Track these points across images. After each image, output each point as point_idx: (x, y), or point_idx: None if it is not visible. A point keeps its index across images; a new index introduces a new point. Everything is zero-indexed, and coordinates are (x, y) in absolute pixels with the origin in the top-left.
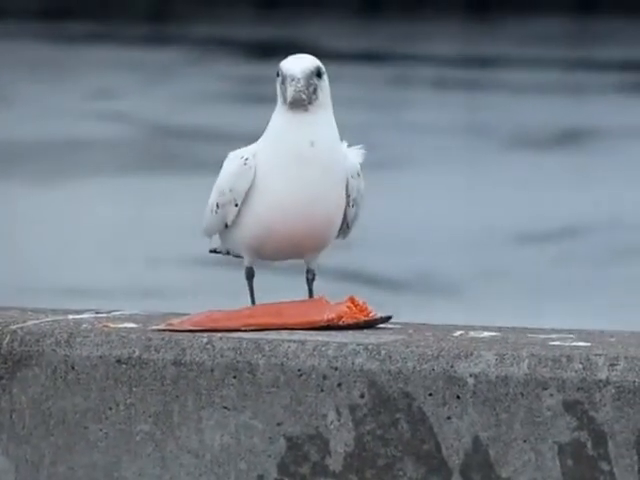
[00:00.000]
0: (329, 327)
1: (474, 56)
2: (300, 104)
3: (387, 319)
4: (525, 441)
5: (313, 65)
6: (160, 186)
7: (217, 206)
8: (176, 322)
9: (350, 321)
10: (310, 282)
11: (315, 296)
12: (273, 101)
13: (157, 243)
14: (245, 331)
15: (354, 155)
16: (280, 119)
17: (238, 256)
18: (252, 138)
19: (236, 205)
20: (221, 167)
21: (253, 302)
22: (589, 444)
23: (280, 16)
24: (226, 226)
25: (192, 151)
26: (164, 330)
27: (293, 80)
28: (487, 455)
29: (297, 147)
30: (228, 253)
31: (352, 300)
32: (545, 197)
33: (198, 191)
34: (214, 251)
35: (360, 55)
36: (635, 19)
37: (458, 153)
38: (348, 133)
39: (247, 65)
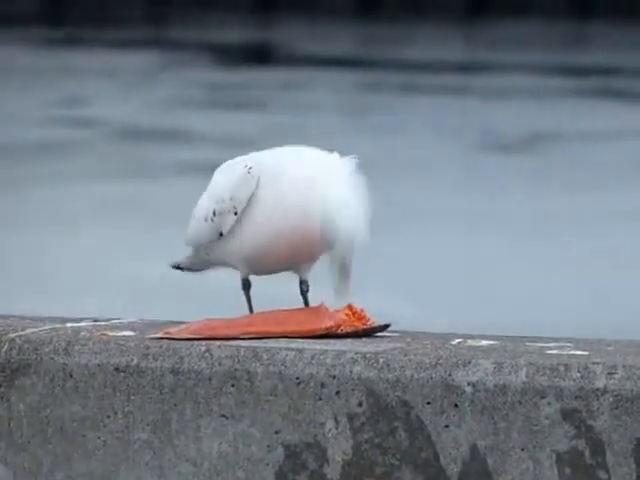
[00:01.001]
0: (328, 335)
1: (453, 61)
2: None
3: (385, 327)
4: (523, 449)
5: None
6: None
7: (214, 214)
8: (174, 330)
9: (349, 329)
10: (305, 293)
11: (312, 304)
12: (250, 107)
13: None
14: (244, 339)
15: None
16: None
17: (199, 270)
18: (232, 142)
19: (235, 214)
20: (210, 173)
21: (251, 311)
22: (587, 453)
23: (270, 20)
24: (220, 235)
25: (166, 155)
26: (162, 338)
27: None
28: (485, 464)
29: (321, 153)
30: (191, 269)
31: (350, 307)
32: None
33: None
34: (177, 267)
35: (331, 60)
36: (622, 23)
37: (434, 156)
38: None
39: (226, 70)
